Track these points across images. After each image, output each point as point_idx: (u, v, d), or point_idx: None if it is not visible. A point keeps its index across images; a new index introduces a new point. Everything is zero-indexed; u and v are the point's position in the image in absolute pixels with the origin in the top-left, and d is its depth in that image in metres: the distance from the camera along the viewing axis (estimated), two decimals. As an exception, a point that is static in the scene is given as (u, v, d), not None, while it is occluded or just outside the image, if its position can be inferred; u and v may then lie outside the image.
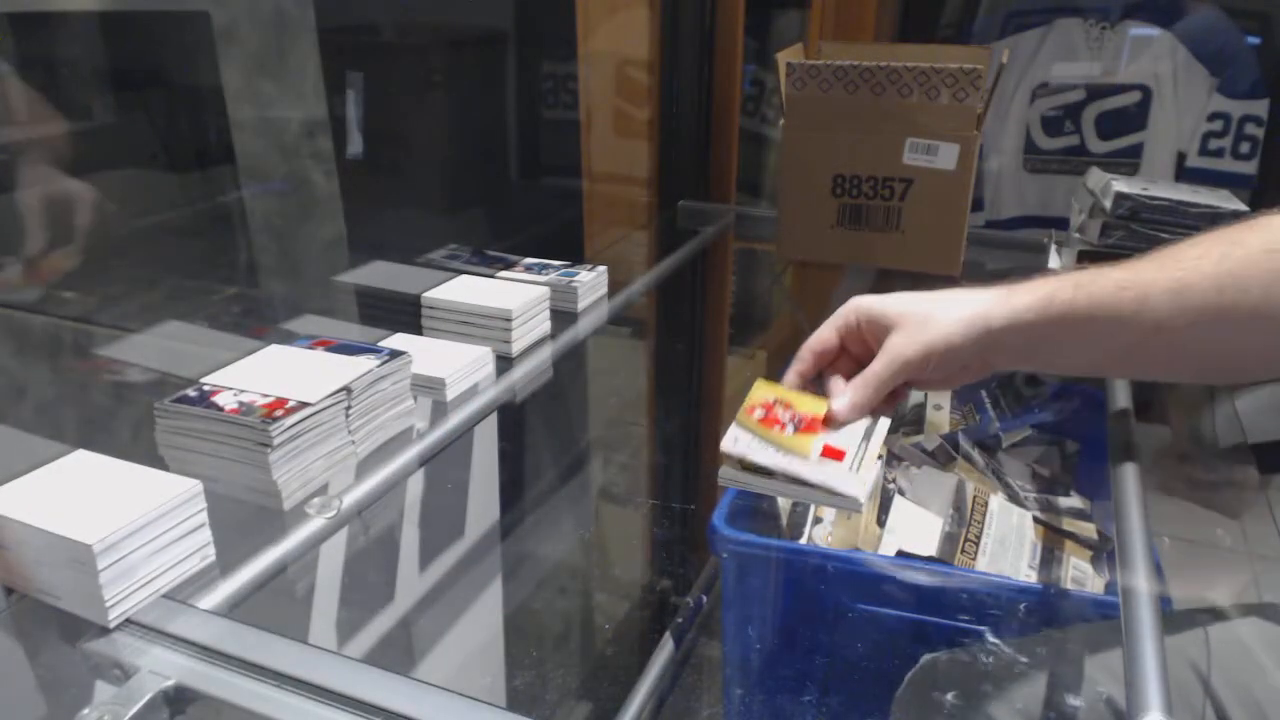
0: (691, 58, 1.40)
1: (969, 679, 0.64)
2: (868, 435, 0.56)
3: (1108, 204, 1.07)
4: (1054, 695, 0.61)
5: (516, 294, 0.90)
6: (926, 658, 0.68)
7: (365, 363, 0.72)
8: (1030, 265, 1.29)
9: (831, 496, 0.52)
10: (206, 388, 0.68)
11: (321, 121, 1.17)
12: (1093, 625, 0.68)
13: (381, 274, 0.96)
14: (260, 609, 0.57)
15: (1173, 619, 0.66)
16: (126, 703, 0.47)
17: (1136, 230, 1.07)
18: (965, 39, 2.15)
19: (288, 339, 0.77)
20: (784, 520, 0.84)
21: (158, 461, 0.67)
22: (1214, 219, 1.05)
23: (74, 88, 1.02)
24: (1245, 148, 1.97)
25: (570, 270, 0.99)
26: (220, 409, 0.65)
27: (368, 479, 0.69)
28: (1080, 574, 0.79)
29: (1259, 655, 0.62)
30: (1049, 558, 0.80)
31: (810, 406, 0.57)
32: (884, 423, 0.58)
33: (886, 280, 1.33)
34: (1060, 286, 0.56)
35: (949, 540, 0.78)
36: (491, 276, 0.97)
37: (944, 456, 0.88)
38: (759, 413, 0.56)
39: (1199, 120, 1.99)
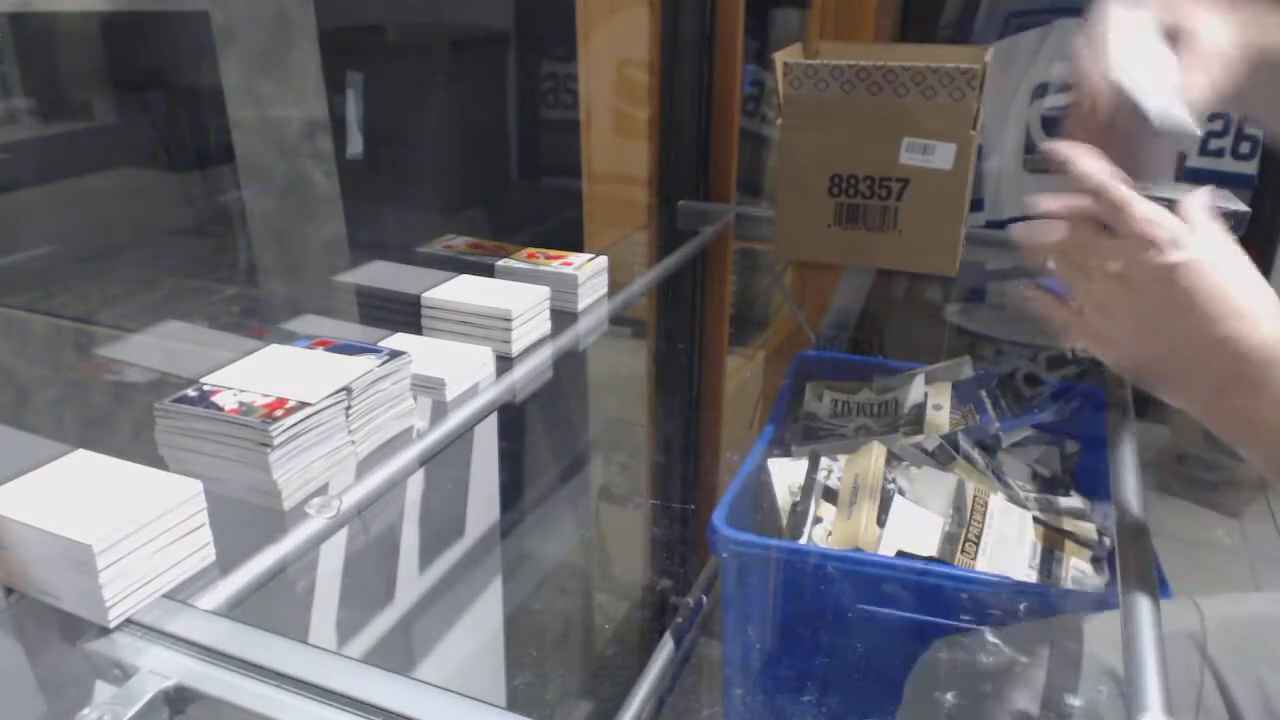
0: (691, 58, 1.40)
1: (969, 678, 0.65)
2: None
3: (1107, 204, 1.07)
4: (1053, 695, 0.61)
5: (516, 294, 0.90)
6: (925, 655, 0.68)
7: (365, 363, 0.72)
8: (1030, 265, 1.29)
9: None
10: (206, 388, 0.68)
11: (321, 121, 1.17)
12: (1091, 622, 0.68)
13: (381, 274, 0.96)
14: (260, 609, 0.57)
15: (1171, 601, 0.66)
16: (126, 703, 0.47)
17: (1136, 230, 1.07)
18: (965, 39, 2.15)
19: (288, 339, 0.77)
20: (784, 520, 0.84)
21: (158, 461, 0.67)
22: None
23: (74, 88, 1.02)
24: (1245, 148, 1.97)
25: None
26: (220, 409, 0.65)
27: (368, 479, 0.69)
28: (1080, 574, 0.79)
29: (1261, 630, 0.63)
30: (1049, 558, 0.80)
31: None
32: None
33: (885, 279, 1.33)
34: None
35: (949, 540, 0.78)
36: (491, 274, 0.97)
37: (944, 456, 0.88)
38: None
39: (1199, 120, 1.99)
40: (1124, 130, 0.56)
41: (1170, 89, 0.55)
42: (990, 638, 0.67)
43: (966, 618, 0.72)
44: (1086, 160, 0.55)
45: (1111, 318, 0.55)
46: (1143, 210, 0.53)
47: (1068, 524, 0.85)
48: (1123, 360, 0.57)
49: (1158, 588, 0.56)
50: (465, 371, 0.81)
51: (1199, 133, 0.54)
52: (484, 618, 1.06)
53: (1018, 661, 0.63)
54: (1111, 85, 0.58)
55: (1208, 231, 0.54)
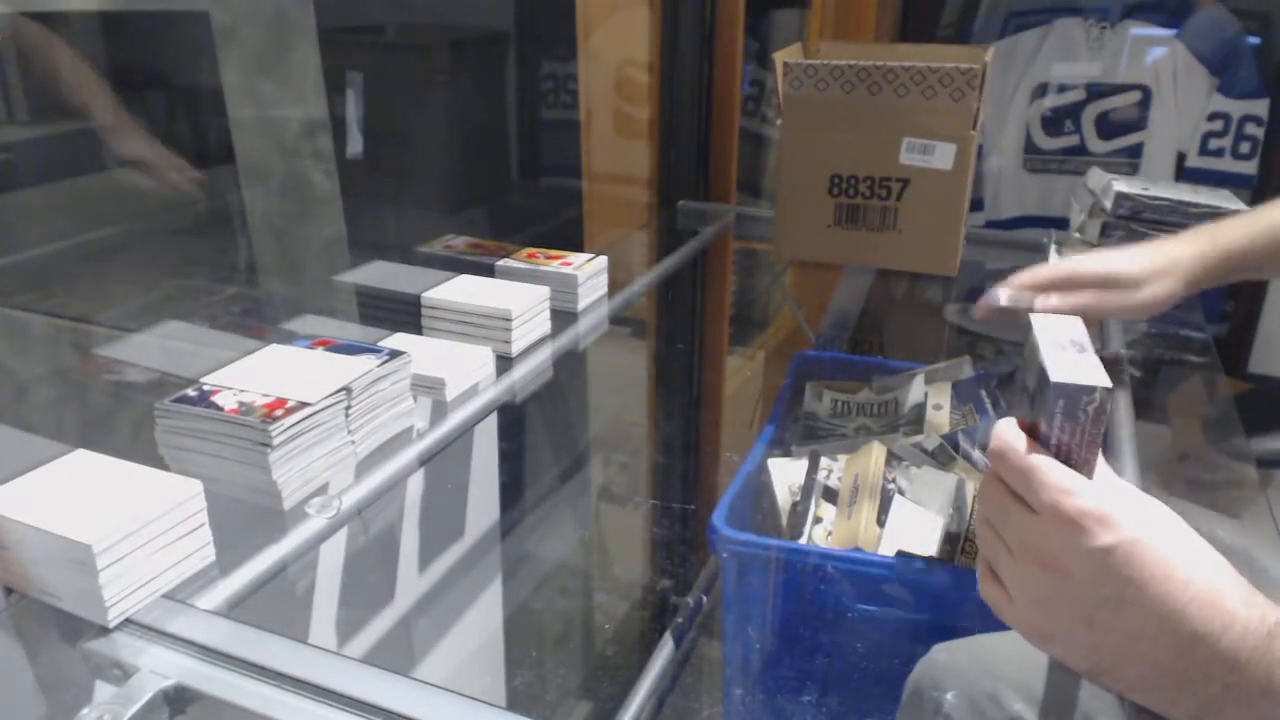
0: (691, 58, 1.40)
1: (968, 679, 0.64)
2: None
3: (1108, 204, 1.07)
4: (1053, 697, 0.61)
5: (516, 294, 0.90)
6: (925, 657, 0.68)
7: (365, 363, 0.72)
8: (1031, 265, 1.29)
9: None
10: (206, 388, 0.68)
11: (321, 121, 1.17)
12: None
13: (381, 274, 0.96)
14: (260, 609, 0.57)
15: None
16: (126, 703, 0.47)
17: (1137, 230, 1.07)
18: (965, 39, 2.15)
19: (288, 339, 0.77)
20: (784, 520, 0.84)
21: (158, 461, 0.67)
22: (1214, 219, 1.05)
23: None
24: (1245, 148, 1.98)
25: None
26: (220, 409, 0.65)
27: (368, 479, 0.69)
28: (1080, 574, 0.79)
29: None
30: (1049, 557, 0.80)
31: None
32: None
33: (885, 279, 1.33)
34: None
35: (949, 540, 0.77)
36: (491, 273, 0.97)
37: (944, 456, 0.88)
38: None
39: (1199, 120, 1.99)
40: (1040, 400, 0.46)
41: (1079, 361, 0.45)
42: (989, 639, 0.67)
43: (966, 618, 0.72)
44: (999, 424, 0.47)
45: (1046, 609, 0.44)
46: (1056, 479, 0.43)
47: (1068, 524, 0.85)
48: (1072, 661, 0.45)
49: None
50: (465, 371, 0.81)
51: (1106, 384, 0.43)
52: (484, 618, 1.06)
53: (1017, 663, 0.63)
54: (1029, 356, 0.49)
55: (1132, 494, 0.44)
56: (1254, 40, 1.99)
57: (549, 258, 1.01)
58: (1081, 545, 0.42)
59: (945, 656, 0.67)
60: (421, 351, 0.79)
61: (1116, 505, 0.42)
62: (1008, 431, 0.46)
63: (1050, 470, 0.43)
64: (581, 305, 0.99)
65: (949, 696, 0.64)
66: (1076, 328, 0.49)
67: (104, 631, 0.52)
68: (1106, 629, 0.43)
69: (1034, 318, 0.50)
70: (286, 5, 1.11)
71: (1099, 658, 0.44)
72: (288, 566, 0.61)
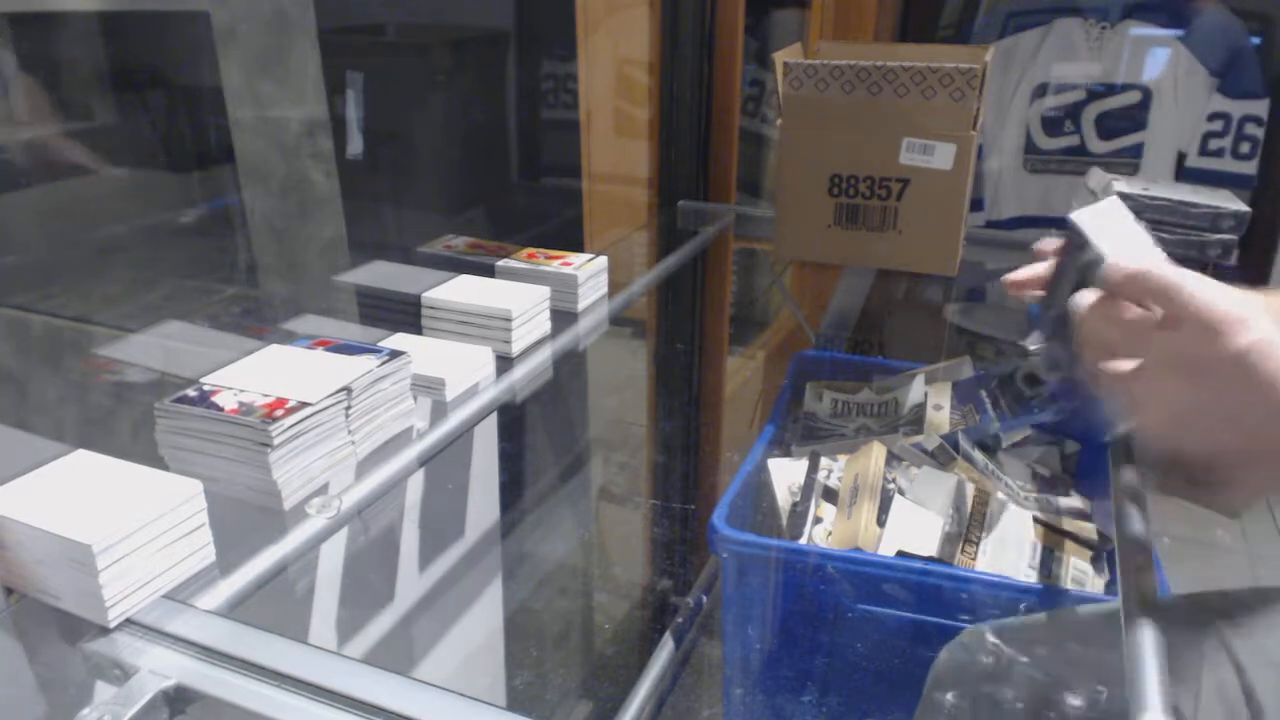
0: (691, 58, 1.40)
1: (974, 679, 0.65)
2: None
3: (1108, 204, 1.07)
4: (1053, 695, 0.61)
5: (516, 294, 0.90)
6: (944, 655, 0.68)
7: (365, 363, 0.72)
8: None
9: None
10: (206, 388, 0.68)
11: (321, 121, 1.17)
12: (1091, 622, 0.68)
13: (381, 274, 0.96)
14: (260, 609, 0.57)
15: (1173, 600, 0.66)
16: (126, 703, 0.47)
17: (1136, 230, 1.06)
18: (965, 39, 2.15)
19: (288, 339, 0.77)
20: (784, 520, 0.84)
21: (158, 461, 0.67)
22: (1215, 219, 1.05)
23: (74, 88, 1.03)
24: (1245, 148, 1.97)
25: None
26: (220, 409, 0.65)
27: (368, 479, 0.69)
28: (1080, 574, 0.79)
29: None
30: (1049, 558, 0.80)
31: None
32: None
33: (885, 279, 1.33)
34: None
35: (949, 540, 0.78)
36: (492, 274, 0.97)
37: (944, 456, 0.88)
38: None
39: (1199, 120, 1.99)
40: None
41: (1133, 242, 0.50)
42: (990, 638, 0.67)
43: (966, 618, 0.72)
44: (1118, 260, 0.50)
45: (1181, 417, 0.49)
46: (1205, 292, 0.46)
47: (1068, 524, 0.85)
48: (1187, 449, 0.50)
49: (1158, 587, 0.56)
50: (465, 371, 0.81)
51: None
52: (484, 618, 1.06)
53: (1016, 661, 0.63)
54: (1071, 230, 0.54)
55: (1246, 297, 0.47)
56: (1255, 40, 1.99)
57: (549, 258, 1.01)
58: (1225, 348, 0.45)
59: (964, 654, 0.67)
60: (421, 351, 0.79)
61: (1248, 304, 0.46)
62: (1133, 261, 0.49)
63: (1196, 279, 0.47)
64: (582, 305, 0.99)
65: (952, 696, 0.64)
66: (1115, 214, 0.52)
67: (104, 632, 0.52)
68: (1239, 424, 0.46)
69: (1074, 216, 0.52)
70: (286, 5, 1.11)
71: (1225, 448, 0.48)
72: (288, 566, 0.61)
